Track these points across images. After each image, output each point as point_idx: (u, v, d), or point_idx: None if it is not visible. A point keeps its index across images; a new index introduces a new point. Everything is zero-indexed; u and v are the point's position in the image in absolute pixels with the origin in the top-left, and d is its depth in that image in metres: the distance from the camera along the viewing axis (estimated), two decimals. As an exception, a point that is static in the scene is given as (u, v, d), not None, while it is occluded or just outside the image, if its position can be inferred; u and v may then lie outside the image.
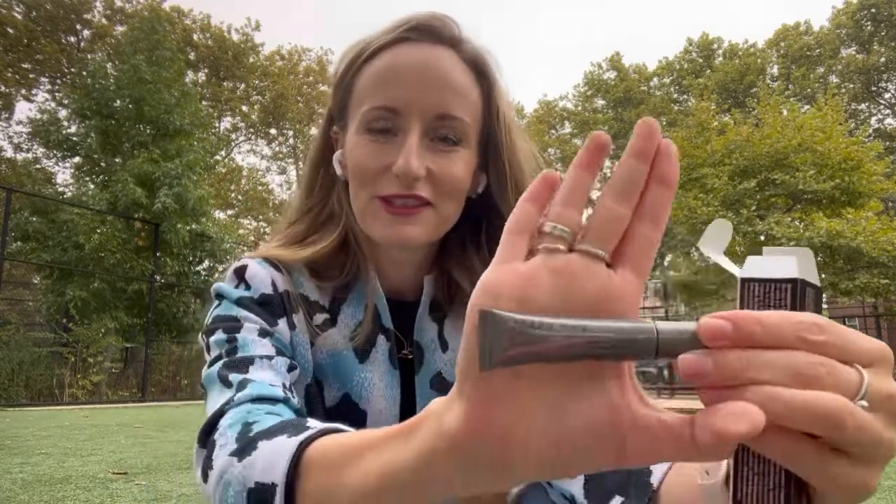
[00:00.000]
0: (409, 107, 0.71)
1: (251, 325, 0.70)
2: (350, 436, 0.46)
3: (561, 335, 0.30)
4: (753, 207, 15.79)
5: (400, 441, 0.38)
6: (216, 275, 14.75)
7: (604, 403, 0.32)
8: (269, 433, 0.51)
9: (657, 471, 0.56)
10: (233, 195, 28.96)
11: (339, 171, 0.79)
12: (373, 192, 0.72)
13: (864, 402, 0.29)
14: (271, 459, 0.48)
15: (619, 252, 0.34)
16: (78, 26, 23.30)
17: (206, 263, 14.53)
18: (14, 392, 9.51)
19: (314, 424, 0.51)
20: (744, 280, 0.35)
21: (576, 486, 0.64)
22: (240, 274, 0.75)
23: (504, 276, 0.33)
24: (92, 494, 2.86)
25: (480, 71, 0.76)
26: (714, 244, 0.40)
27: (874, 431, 0.29)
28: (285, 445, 0.48)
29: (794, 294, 0.33)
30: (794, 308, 0.33)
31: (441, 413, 0.35)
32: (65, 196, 14.65)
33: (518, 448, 0.32)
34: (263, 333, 0.70)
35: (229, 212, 28.61)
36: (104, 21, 23.68)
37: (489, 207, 0.80)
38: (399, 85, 0.71)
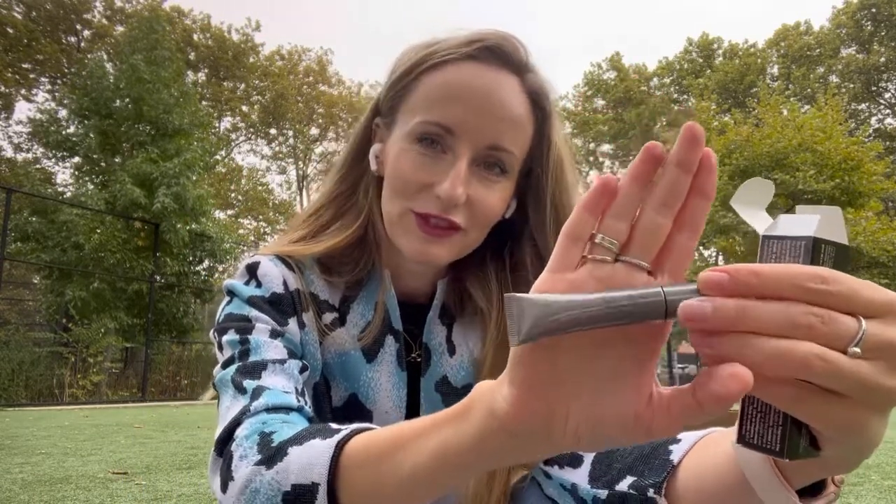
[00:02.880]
0: (464, 130, 0.70)
1: (263, 326, 0.70)
2: (389, 429, 0.48)
3: (579, 304, 0.33)
4: (753, 207, 15.76)
5: (450, 425, 0.42)
6: (216, 275, 14.75)
7: (633, 393, 0.36)
8: (298, 440, 0.52)
9: (678, 448, 0.56)
10: (233, 195, 28.96)
11: (373, 165, 0.79)
12: (409, 206, 0.72)
13: (856, 350, 0.30)
14: (308, 461, 0.49)
15: (658, 260, 0.36)
16: (78, 26, 23.30)
17: (206, 263, 14.51)
18: (14, 392, 9.51)
19: (343, 426, 0.53)
20: (764, 237, 0.36)
21: (578, 475, 0.64)
22: (251, 271, 0.75)
23: (554, 286, 0.36)
24: (92, 494, 2.86)
25: (538, 103, 0.76)
26: (748, 201, 0.40)
27: (858, 377, 0.30)
28: (321, 446, 0.50)
29: (807, 251, 0.34)
30: (808, 264, 0.33)
31: (490, 397, 0.39)
32: (64, 196, 14.63)
33: (559, 426, 0.37)
34: (275, 334, 0.70)
35: (229, 212, 28.61)
36: (104, 21, 23.68)
37: (520, 228, 0.81)
38: (460, 106, 0.70)
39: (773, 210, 0.37)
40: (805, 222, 0.35)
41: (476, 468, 0.42)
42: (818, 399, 0.32)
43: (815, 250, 0.34)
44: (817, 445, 0.35)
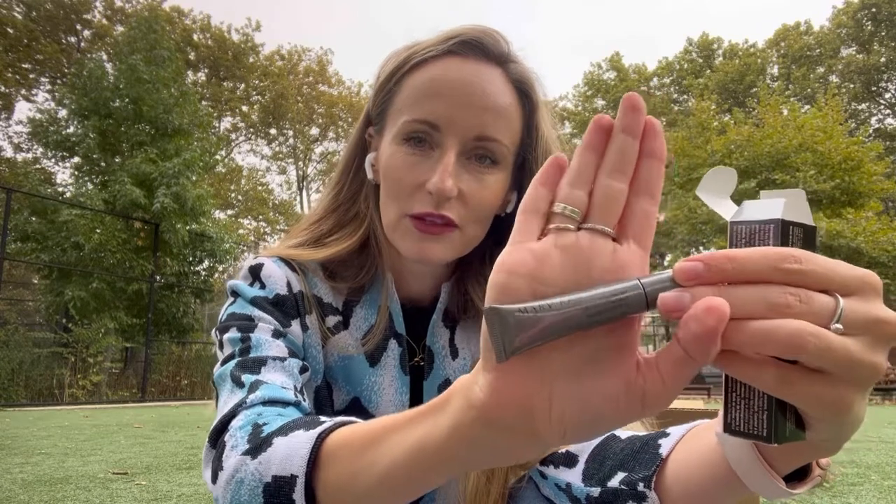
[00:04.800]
0: (449, 124, 0.70)
1: (265, 326, 0.70)
2: (370, 422, 0.47)
3: (559, 312, 0.33)
4: (753, 207, 15.80)
5: (429, 418, 0.41)
6: (216, 275, 14.75)
7: (618, 366, 0.34)
8: (284, 430, 0.52)
9: (667, 441, 0.56)
10: (233, 195, 28.96)
11: (370, 174, 0.79)
12: (405, 210, 0.71)
13: (838, 326, 0.30)
14: (289, 453, 0.49)
15: (622, 227, 0.36)
16: (78, 26, 23.30)
17: (206, 263, 14.52)
18: (14, 392, 9.51)
19: (328, 419, 0.52)
20: (732, 223, 0.36)
21: (573, 475, 0.64)
22: (255, 272, 0.75)
23: (518, 256, 0.35)
24: (92, 494, 2.86)
25: (524, 92, 0.75)
26: (713, 190, 0.40)
27: (846, 353, 0.30)
28: (303, 438, 0.49)
29: (776, 234, 0.34)
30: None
31: (467, 387, 0.37)
32: (64, 196, 14.63)
33: (541, 414, 0.35)
34: (277, 334, 0.70)
35: (229, 212, 28.61)
36: (104, 21, 23.69)
37: None
38: (442, 100, 0.70)
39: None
40: (771, 206, 0.35)
41: (454, 465, 0.40)
42: (804, 379, 0.31)
43: (784, 232, 0.34)
44: (803, 427, 0.35)
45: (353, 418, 0.52)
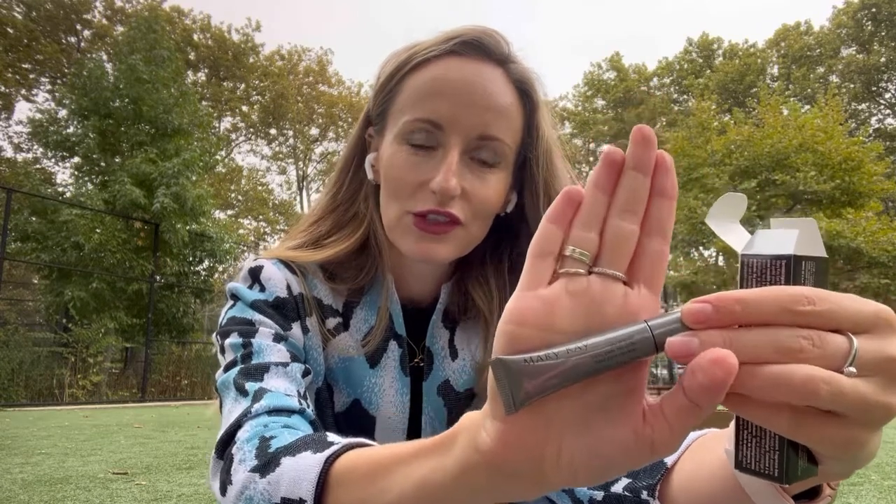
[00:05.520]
0: (452, 123, 0.70)
1: (266, 330, 0.69)
2: (377, 450, 0.47)
3: (566, 360, 0.32)
4: (754, 208, 15.82)
5: (435, 455, 0.40)
6: (216, 275, 14.74)
7: (627, 415, 0.34)
8: (292, 449, 0.52)
9: None
10: (233, 195, 28.96)
11: (370, 174, 0.79)
12: (407, 208, 0.71)
13: (851, 369, 0.30)
14: (297, 475, 0.48)
15: (632, 269, 0.35)
16: (78, 26, 23.30)
17: (206, 263, 14.52)
18: (14, 392, 9.51)
19: (336, 440, 0.52)
20: (743, 256, 0.35)
21: None
22: (255, 274, 0.75)
23: (528, 303, 0.35)
24: (92, 494, 2.87)
25: (525, 92, 0.75)
26: (723, 217, 0.40)
27: (859, 397, 0.30)
28: (311, 461, 0.49)
29: (788, 270, 0.33)
30: (788, 283, 0.33)
31: (475, 429, 0.37)
32: (64, 196, 14.62)
33: (550, 462, 0.35)
34: (278, 338, 0.70)
35: (229, 212, 28.61)
36: (104, 21, 23.69)
37: (518, 225, 0.80)
38: (444, 100, 0.70)
39: (775, 212, 0.37)
40: (783, 238, 0.34)
41: (463, 503, 0.39)
42: (816, 422, 0.31)
43: (796, 268, 0.33)
44: (815, 461, 0.35)
45: (360, 439, 0.52)
